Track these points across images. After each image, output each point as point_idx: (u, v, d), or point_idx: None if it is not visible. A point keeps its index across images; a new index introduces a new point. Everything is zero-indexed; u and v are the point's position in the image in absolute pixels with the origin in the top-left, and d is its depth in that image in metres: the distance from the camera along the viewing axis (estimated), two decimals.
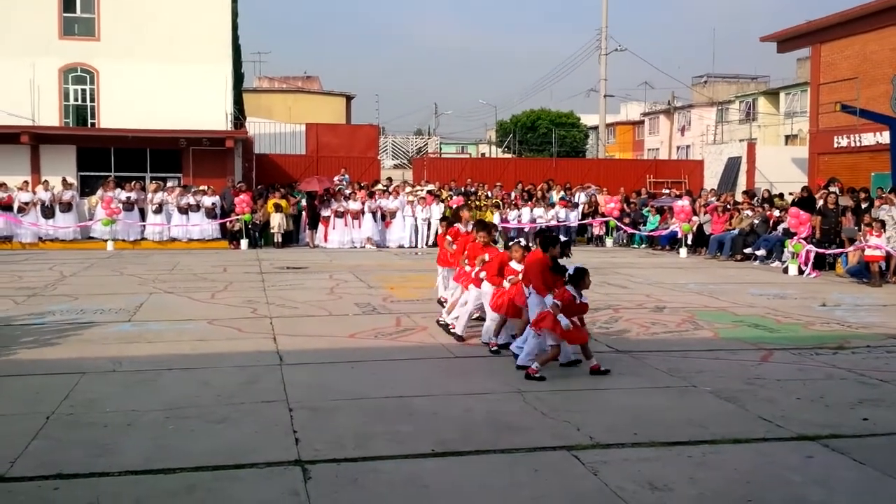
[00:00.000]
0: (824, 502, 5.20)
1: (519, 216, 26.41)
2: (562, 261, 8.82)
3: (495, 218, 25.31)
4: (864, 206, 19.64)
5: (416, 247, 25.67)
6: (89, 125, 27.98)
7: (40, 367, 8.64)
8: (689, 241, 23.78)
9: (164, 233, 25.32)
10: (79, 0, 27.61)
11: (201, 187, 26.02)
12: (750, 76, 64.51)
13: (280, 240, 25.19)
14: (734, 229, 22.49)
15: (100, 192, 25.20)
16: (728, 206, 23.85)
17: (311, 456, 5.85)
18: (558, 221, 26.22)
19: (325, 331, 10.94)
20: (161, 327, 11.04)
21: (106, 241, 24.32)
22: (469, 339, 10.25)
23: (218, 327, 11.11)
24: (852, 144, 27.77)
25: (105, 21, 27.64)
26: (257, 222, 25.17)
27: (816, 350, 9.78)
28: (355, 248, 25.17)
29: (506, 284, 9.49)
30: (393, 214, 25.97)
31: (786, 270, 18.61)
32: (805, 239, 18.43)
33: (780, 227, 20.77)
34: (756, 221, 22.09)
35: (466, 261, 10.39)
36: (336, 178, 28.68)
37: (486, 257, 9.93)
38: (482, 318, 10.29)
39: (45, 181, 25.38)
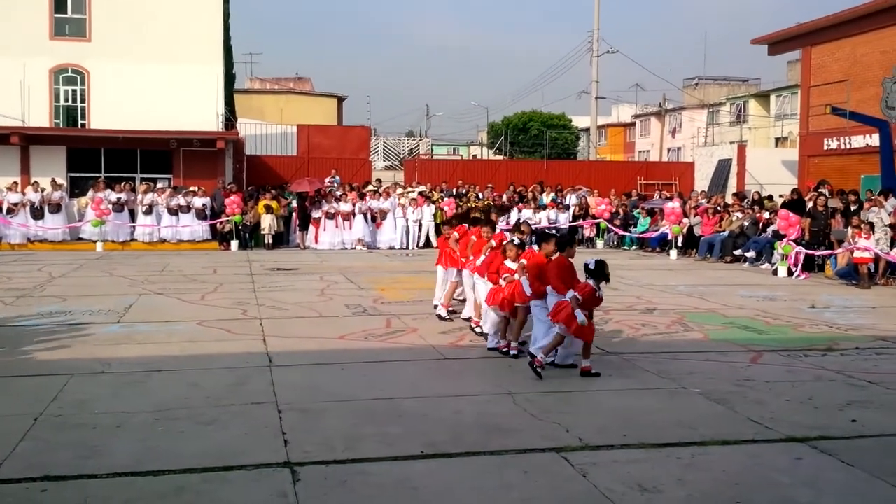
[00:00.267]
0: None
1: (507, 218, 26.40)
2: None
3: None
4: (853, 208, 19.70)
5: (407, 248, 25.65)
6: (79, 126, 27.88)
7: (29, 369, 8.61)
8: (680, 243, 23.83)
9: (153, 234, 25.25)
10: (70, 1, 27.52)
11: (192, 188, 25.96)
12: (741, 79, 64.71)
13: (270, 241, 25.14)
14: (724, 231, 22.55)
15: (90, 192, 25.13)
16: (718, 208, 23.91)
17: (300, 458, 5.84)
18: (549, 223, 26.25)
19: (315, 332, 10.92)
20: (150, 329, 11.01)
21: (95, 242, 24.24)
22: (460, 341, 10.27)
23: (208, 329, 11.09)
24: (842, 147, 27.88)
25: (96, 22, 27.56)
26: (248, 223, 25.12)
27: (805, 352, 9.81)
28: (346, 249, 25.14)
29: (501, 282, 9.50)
30: (384, 216, 25.95)
31: (775, 272, 18.67)
32: (794, 241, 18.49)
33: (770, 229, 20.83)
34: (746, 223, 22.16)
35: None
36: (327, 180, 28.66)
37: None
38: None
39: (35, 182, 25.30)
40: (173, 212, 25.23)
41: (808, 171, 29.11)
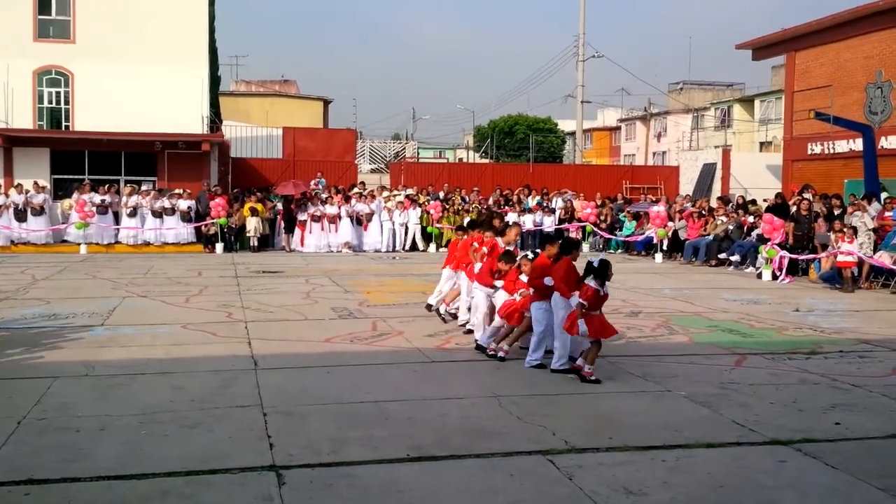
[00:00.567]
0: None
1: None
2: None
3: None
4: (836, 212, 19.82)
5: (393, 251, 25.64)
6: (63, 128, 27.76)
7: (11, 372, 8.54)
8: (665, 247, 23.91)
9: (138, 236, 25.11)
10: (54, 2, 27.42)
11: (176, 191, 25.84)
12: (725, 83, 65.02)
13: (256, 244, 25.06)
14: (709, 235, 22.64)
15: (74, 195, 24.99)
16: (703, 212, 24.01)
17: (285, 461, 5.82)
18: (535, 226, 26.30)
19: (300, 335, 10.90)
20: (134, 331, 10.95)
21: (79, 244, 24.10)
22: (445, 343, 10.27)
23: (192, 331, 11.04)
24: (826, 151, 28.06)
25: (80, 23, 27.45)
26: (233, 226, 25.04)
27: (789, 355, 9.86)
28: (332, 252, 25.10)
29: (516, 296, 9.54)
30: (369, 219, 25.91)
31: (760, 276, 18.76)
32: (779, 245, 18.58)
33: (754, 233, 20.93)
34: (730, 227, 22.25)
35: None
36: (312, 182, 28.61)
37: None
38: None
39: (19, 184, 25.14)
40: (158, 214, 25.11)
41: (792, 175, 29.29)
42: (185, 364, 8.98)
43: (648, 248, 24.77)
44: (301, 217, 25.48)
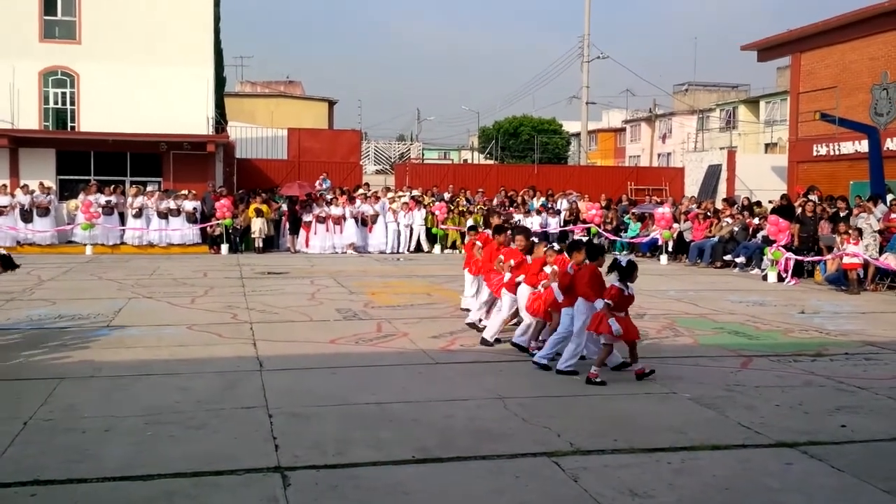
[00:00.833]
0: None
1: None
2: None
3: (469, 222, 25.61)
4: (842, 214, 19.79)
5: (398, 252, 25.65)
6: (69, 129, 27.80)
7: (18, 373, 8.57)
8: (670, 248, 23.88)
9: (143, 237, 25.17)
10: (60, 3, 27.45)
11: (182, 192, 25.90)
12: (730, 85, 64.99)
13: (261, 245, 25.09)
14: (714, 237, 22.61)
15: (80, 196, 25.04)
16: (708, 214, 23.98)
17: (290, 462, 5.83)
18: (540, 227, 26.28)
19: (305, 336, 10.91)
20: (140, 332, 10.97)
21: (85, 245, 24.14)
22: (450, 345, 10.28)
23: (197, 332, 11.05)
24: (831, 153, 28.00)
25: (86, 24, 27.49)
26: (238, 227, 25.07)
27: (795, 357, 9.85)
28: (336, 253, 25.12)
29: (540, 288, 9.61)
30: (374, 220, 25.92)
31: (765, 278, 18.73)
32: (784, 247, 18.56)
33: (760, 235, 20.90)
34: (736, 229, 22.23)
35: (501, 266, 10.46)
36: (317, 183, 28.63)
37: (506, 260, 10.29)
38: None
39: (25, 185, 25.20)
40: (163, 215, 25.16)
41: (798, 177, 29.22)
42: (190, 365, 8.99)
43: (653, 249, 24.75)
44: (306, 218, 25.50)
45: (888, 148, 24.69)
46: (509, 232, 11.30)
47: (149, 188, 26.48)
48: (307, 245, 25.44)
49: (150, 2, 27.60)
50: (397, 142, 52.42)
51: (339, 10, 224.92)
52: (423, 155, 46.50)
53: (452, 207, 26.87)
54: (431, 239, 26.53)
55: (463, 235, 25.99)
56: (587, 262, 8.88)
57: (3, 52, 26.46)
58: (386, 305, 13.81)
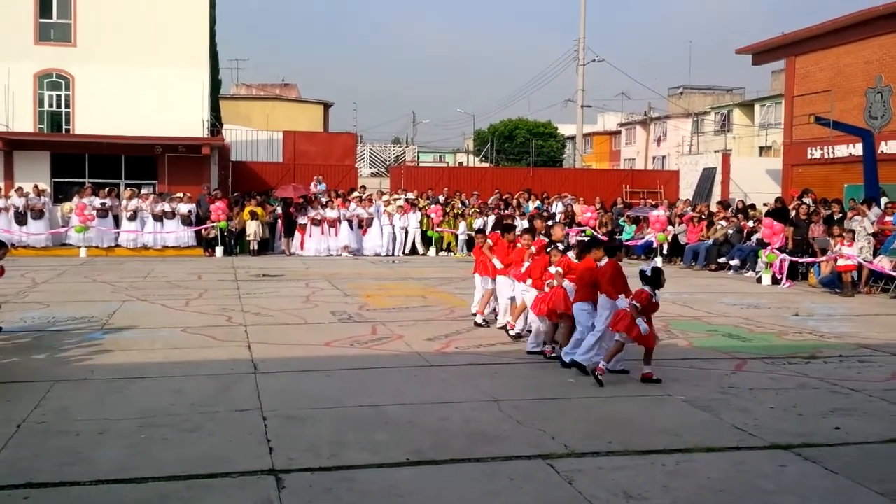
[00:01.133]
0: None
1: (484, 223, 26.42)
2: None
3: (478, 223, 25.74)
4: (836, 217, 19.83)
5: (393, 255, 25.64)
6: (64, 131, 27.78)
7: (11, 375, 8.54)
8: (665, 251, 23.91)
9: (138, 240, 25.12)
10: (55, 5, 27.43)
11: (177, 194, 25.85)
12: (725, 88, 65.07)
13: (256, 247, 25.07)
14: (709, 239, 22.64)
15: (75, 198, 25.00)
16: (703, 217, 24.01)
17: (285, 465, 5.82)
18: None
19: (300, 339, 10.89)
20: (134, 335, 10.95)
21: (79, 248, 24.10)
22: (445, 348, 10.29)
23: (192, 335, 11.04)
24: (826, 156, 28.06)
25: (81, 27, 27.48)
26: (233, 230, 25.04)
27: (789, 359, 9.87)
28: (332, 256, 25.10)
29: (546, 288, 9.66)
30: (369, 222, 25.90)
31: (759, 280, 18.76)
32: (779, 249, 18.59)
33: (754, 238, 20.94)
34: (730, 232, 22.26)
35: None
36: (312, 185, 28.61)
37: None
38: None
39: (19, 187, 25.15)
40: (158, 218, 25.12)
41: (792, 180, 29.28)
42: (184, 368, 8.98)
43: (648, 252, 24.77)
44: (301, 221, 25.48)
45: (882, 151, 24.76)
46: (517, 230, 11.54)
47: (143, 191, 26.42)
48: (302, 248, 25.43)
49: (146, 4, 27.60)
50: (392, 144, 52.45)
51: (335, 14, 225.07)
52: (418, 158, 46.45)
53: (448, 210, 26.86)
54: (426, 242, 26.51)
55: (466, 239, 26.05)
56: (606, 258, 8.94)
57: None
58: (381, 308, 13.81)
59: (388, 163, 41.79)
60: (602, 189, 32.39)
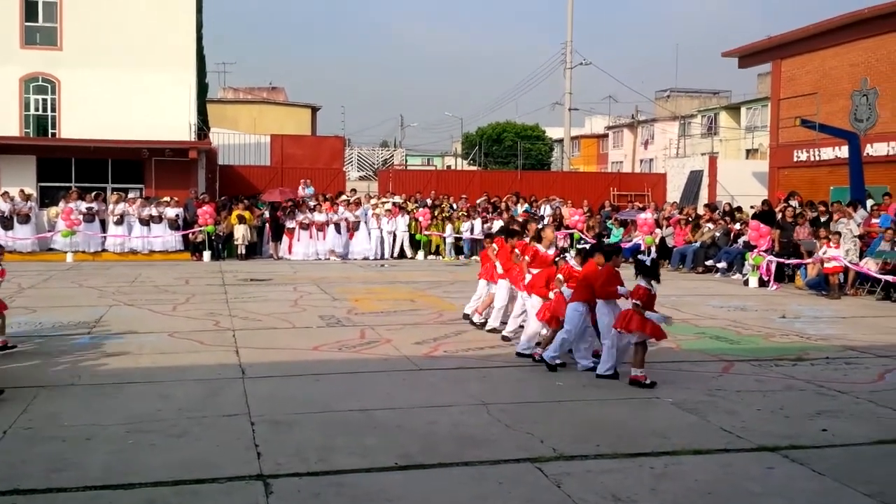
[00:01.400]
0: None
1: (470, 227, 26.47)
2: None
3: (465, 227, 25.86)
4: (822, 219, 19.93)
5: (381, 259, 25.61)
6: (50, 135, 27.62)
7: None
8: (653, 254, 23.93)
9: (125, 244, 25.01)
10: (41, 9, 27.30)
11: (164, 198, 25.77)
12: (712, 91, 65.37)
13: (244, 251, 25.01)
14: (696, 242, 22.72)
15: (61, 203, 24.88)
16: (690, 219, 24.09)
17: (273, 470, 5.81)
18: None
19: (288, 343, 10.87)
20: (121, 340, 10.90)
21: (66, 252, 23.98)
22: (434, 351, 10.29)
23: (179, 340, 11.00)
24: (812, 159, 28.20)
25: (67, 30, 27.34)
26: (220, 234, 24.97)
27: (776, 362, 9.91)
28: (320, 259, 25.06)
29: (551, 295, 9.71)
30: (355, 226, 25.86)
31: (746, 283, 18.83)
32: (765, 251, 18.66)
33: (741, 240, 21.02)
34: (717, 234, 22.34)
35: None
36: (299, 189, 28.55)
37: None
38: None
39: (5, 192, 24.99)
40: (145, 222, 25.03)
41: (779, 182, 29.41)
42: (172, 373, 8.95)
43: (636, 254, 24.77)
44: (290, 225, 25.44)
45: (868, 154, 24.90)
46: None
47: (130, 195, 26.30)
48: (290, 252, 25.38)
49: (132, 8, 27.46)
50: (381, 148, 52.42)
51: (322, 17, 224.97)
52: (406, 161, 46.45)
53: (436, 214, 26.86)
54: (415, 245, 26.51)
55: (454, 242, 26.10)
56: (605, 262, 9.02)
57: None
58: (369, 312, 13.79)
59: (376, 166, 41.76)
60: (590, 192, 32.44)
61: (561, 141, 50.73)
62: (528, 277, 10.41)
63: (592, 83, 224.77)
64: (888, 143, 25.25)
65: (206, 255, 24.44)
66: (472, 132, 69.29)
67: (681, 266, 22.53)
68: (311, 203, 26.36)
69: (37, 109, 27.68)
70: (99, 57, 26.99)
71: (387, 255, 26.01)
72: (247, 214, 25.24)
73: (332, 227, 25.48)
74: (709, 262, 21.73)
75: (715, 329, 12.38)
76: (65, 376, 8.68)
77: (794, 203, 21.82)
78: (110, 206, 25.13)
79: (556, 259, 10.20)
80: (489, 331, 11.58)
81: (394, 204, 26.99)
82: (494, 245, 12.06)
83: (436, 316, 13.34)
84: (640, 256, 8.95)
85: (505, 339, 10.96)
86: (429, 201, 27.99)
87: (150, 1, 27.65)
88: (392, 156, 45.29)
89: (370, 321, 12.69)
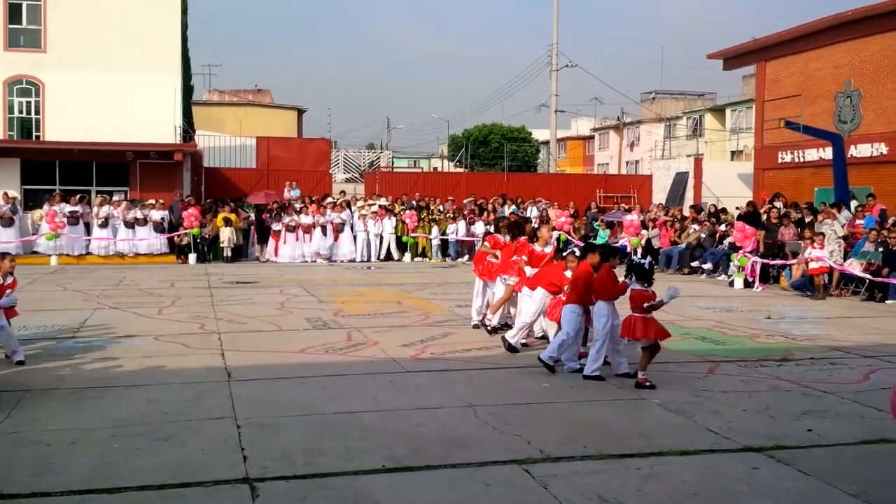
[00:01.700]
0: None
1: (456, 229, 26.50)
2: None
3: (451, 228, 25.90)
4: (807, 220, 20.03)
5: (367, 261, 25.58)
6: (34, 138, 27.48)
7: None
8: (639, 255, 24.00)
9: (109, 247, 24.88)
10: (25, 11, 27.17)
11: (149, 201, 25.65)
12: (697, 93, 65.56)
13: (229, 254, 24.93)
14: (682, 243, 22.79)
15: (45, 205, 24.74)
16: (676, 221, 24.17)
17: (259, 473, 5.79)
18: None
19: (274, 346, 10.84)
20: (106, 343, 10.84)
21: (50, 255, 23.85)
22: (421, 353, 10.28)
23: (165, 343, 10.95)
24: (796, 160, 28.34)
25: (51, 33, 27.21)
26: (206, 236, 24.89)
27: (762, 362, 9.95)
28: (306, 262, 25.01)
29: (562, 296, 9.72)
30: (341, 229, 25.82)
31: (732, 284, 18.91)
32: (750, 253, 18.74)
33: (727, 242, 21.11)
34: (703, 235, 22.43)
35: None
36: (285, 191, 28.49)
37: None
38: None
39: None
40: (130, 225, 24.91)
41: (763, 183, 29.54)
42: (157, 376, 8.91)
43: (623, 256, 24.84)
44: (275, 227, 25.38)
45: (852, 155, 25.06)
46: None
47: (115, 198, 26.18)
48: (276, 254, 25.34)
49: (117, 10, 27.35)
50: (367, 150, 52.32)
51: (308, 19, 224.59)
52: (392, 163, 46.39)
53: (423, 216, 26.86)
54: (401, 247, 26.50)
55: (440, 244, 26.09)
56: (602, 263, 9.06)
57: None
58: (356, 314, 13.77)
59: (362, 168, 41.67)
60: (576, 194, 32.52)
61: (547, 143, 50.82)
62: (529, 272, 10.54)
63: (578, 85, 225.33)
64: (872, 144, 25.41)
65: (192, 257, 24.36)
66: (459, 134, 69.29)
67: (666, 267, 22.60)
68: (297, 205, 26.30)
69: (21, 112, 27.54)
70: (83, 59, 26.86)
71: (373, 257, 25.99)
72: (233, 217, 25.16)
73: (318, 229, 25.44)
74: (694, 264, 21.81)
75: (701, 330, 12.42)
76: (49, 380, 8.62)
77: (778, 204, 21.93)
78: (95, 209, 25.00)
79: (566, 253, 10.25)
80: (474, 325, 11.90)
81: (380, 206, 26.98)
82: (486, 243, 12.08)
83: (423, 318, 13.33)
84: (637, 259, 8.93)
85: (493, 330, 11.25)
86: (414, 202, 27.99)
87: (135, 3, 27.55)
88: (378, 158, 45.18)
89: (357, 323, 12.67)
